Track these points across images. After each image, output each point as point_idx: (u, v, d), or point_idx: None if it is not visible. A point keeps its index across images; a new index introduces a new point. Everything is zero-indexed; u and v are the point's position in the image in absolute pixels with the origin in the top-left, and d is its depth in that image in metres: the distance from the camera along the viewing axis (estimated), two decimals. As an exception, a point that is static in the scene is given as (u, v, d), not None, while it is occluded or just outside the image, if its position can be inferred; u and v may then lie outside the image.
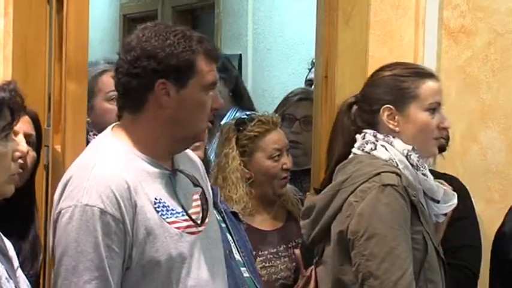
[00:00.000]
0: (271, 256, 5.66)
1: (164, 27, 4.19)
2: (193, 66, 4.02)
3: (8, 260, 3.82)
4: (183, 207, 4.10)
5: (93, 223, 3.86)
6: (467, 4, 5.77)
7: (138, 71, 4.00)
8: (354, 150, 4.78)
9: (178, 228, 4.03)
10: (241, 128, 5.73)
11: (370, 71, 5.30)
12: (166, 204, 4.03)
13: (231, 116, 5.77)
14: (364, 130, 4.77)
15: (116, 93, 5.02)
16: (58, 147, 4.87)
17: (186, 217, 4.06)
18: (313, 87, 6.52)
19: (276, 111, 6.76)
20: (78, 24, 4.86)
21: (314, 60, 6.23)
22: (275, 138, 5.73)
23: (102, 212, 3.85)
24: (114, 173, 3.93)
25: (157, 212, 3.97)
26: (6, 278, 3.75)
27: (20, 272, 3.88)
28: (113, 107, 5.22)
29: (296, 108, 6.73)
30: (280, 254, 5.65)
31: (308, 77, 7.21)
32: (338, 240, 4.66)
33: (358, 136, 4.79)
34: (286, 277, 5.58)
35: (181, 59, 4.05)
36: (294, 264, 5.59)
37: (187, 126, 4.17)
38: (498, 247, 5.30)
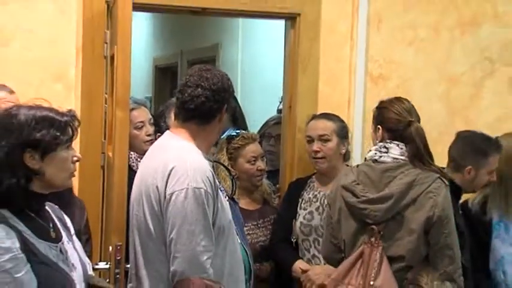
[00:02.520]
0: (253, 227, 5.76)
1: (219, 71, 4.56)
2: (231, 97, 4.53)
3: (67, 229, 3.91)
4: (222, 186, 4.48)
5: (202, 200, 4.07)
6: (384, 59, 6.00)
7: (219, 98, 4.30)
8: (382, 153, 4.81)
9: (226, 198, 4.39)
10: (230, 141, 5.84)
11: (320, 104, 5.96)
12: (218, 185, 4.32)
13: (228, 133, 5.84)
14: (389, 143, 4.83)
15: (141, 123, 5.64)
16: (110, 154, 5.07)
17: (225, 194, 4.44)
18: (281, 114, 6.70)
19: (259, 130, 7.01)
20: (123, 72, 4.95)
21: (282, 96, 6.40)
22: (252, 148, 5.84)
23: (206, 192, 4.09)
24: (204, 165, 4.20)
25: (221, 190, 4.32)
26: (67, 241, 3.82)
27: (75, 238, 3.95)
28: (139, 132, 5.58)
29: (272, 129, 6.89)
30: (259, 225, 5.80)
31: (279, 107, 7.20)
32: (424, 223, 4.63)
33: (381, 144, 4.86)
34: (263, 241, 5.72)
35: (232, 93, 4.49)
36: (268, 232, 5.77)
37: (218, 136, 4.65)
38: None
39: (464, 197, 5.44)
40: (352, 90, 5.89)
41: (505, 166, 5.28)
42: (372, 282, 4.64)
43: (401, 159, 4.73)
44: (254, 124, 7.60)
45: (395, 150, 4.75)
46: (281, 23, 6.15)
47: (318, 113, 5.76)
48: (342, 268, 4.77)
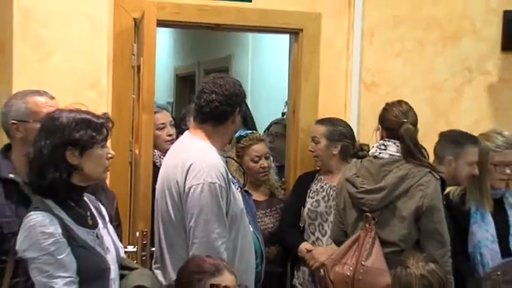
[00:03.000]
0: (262, 215, 5.74)
1: (232, 78, 4.62)
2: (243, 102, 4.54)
3: (102, 217, 3.96)
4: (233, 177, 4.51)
5: (217, 193, 4.14)
6: (376, 69, 5.98)
7: (231, 102, 4.35)
8: (378, 151, 4.84)
9: (238, 190, 4.43)
10: (239, 141, 5.83)
11: (320, 108, 5.87)
12: (231, 179, 4.36)
13: (239, 133, 5.75)
14: (387, 141, 4.86)
15: (163, 124, 5.68)
16: (137, 151, 5.10)
17: (238, 186, 4.47)
18: (285, 116, 6.80)
19: (264, 130, 7.07)
20: (148, 81, 4.98)
21: (287, 101, 6.39)
22: (256, 149, 5.82)
23: (220, 186, 4.16)
24: (218, 162, 4.25)
25: (233, 183, 4.35)
26: (102, 227, 3.88)
27: (109, 225, 4.00)
28: (161, 133, 5.63)
29: (273, 128, 6.96)
30: (267, 214, 5.79)
31: (283, 111, 7.29)
32: (414, 212, 4.66)
33: (388, 143, 4.86)
34: (271, 228, 5.70)
35: (244, 98, 4.52)
36: (275, 219, 5.77)
37: (232, 135, 4.73)
38: None
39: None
40: (348, 96, 5.89)
41: (479, 162, 5.23)
42: (363, 262, 4.69)
43: (397, 155, 4.76)
44: (262, 125, 7.58)
45: (393, 148, 4.79)
46: (286, 37, 6.15)
47: (320, 118, 5.75)
48: (341, 250, 4.84)
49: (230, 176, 4.34)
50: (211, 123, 4.38)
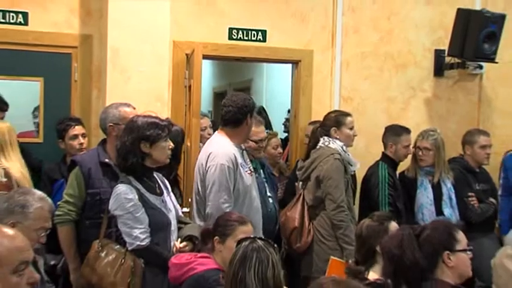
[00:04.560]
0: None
1: (243, 95, 4.50)
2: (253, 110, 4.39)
3: (166, 188, 3.94)
4: (246, 164, 4.33)
5: (225, 172, 4.11)
6: (350, 87, 5.87)
7: (242, 111, 4.28)
8: (319, 144, 4.79)
9: (246, 172, 4.27)
10: None
11: (313, 115, 5.76)
12: (242, 163, 4.26)
13: None
14: (323, 137, 4.81)
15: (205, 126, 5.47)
16: (188, 144, 5.01)
17: (248, 169, 4.32)
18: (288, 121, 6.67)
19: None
20: (196, 96, 5.00)
21: (289, 110, 6.32)
22: (274, 140, 5.75)
23: (228, 167, 4.12)
24: (230, 151, 4.19)
25: (242, 167, 4.24)
26: (165, 195, 3.87)
27: (171, 193, 3.98)
28: (203, 132, 5.39)
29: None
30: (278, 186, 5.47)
31: (286, 117, 7.33)
32: (316, 180, 4.69)
33: (321, 139, 4.81)
34: (280, 194, 5.39)
35: (254, 106, 4.41)
36: (282, 189, 5.51)
37: (248, 134, 4.47)
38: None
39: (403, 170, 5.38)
40: (331, 106, 5.77)
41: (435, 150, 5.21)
42: (287, 212, 4.77)
43: (323, 145, 4.75)
44: (275, 126, 7.60)
45: (325, 141, 4.79)
46: (289, 66, 6.02)
47: (311, 120, 5.68)
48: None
49: (241, 161, 4.25)
50: (230, 126, 4.32)
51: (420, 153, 5.22)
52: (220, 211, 3.98)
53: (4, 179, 3.99)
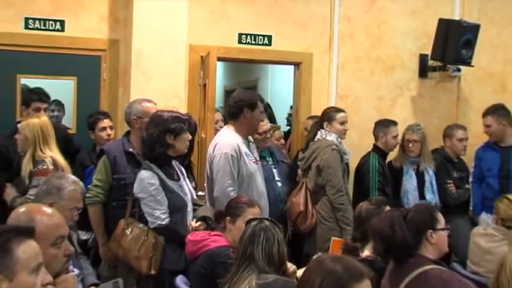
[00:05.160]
0: None
1: (243, 91, 4.45)
2: (256, 103, 4.26)
3: (183, 174, 3.94)
4: (252, 154, 4.27)
5: (229, 159, 4.05)
6: (346, 87, 5.84)
7: (237, 105, 4.24)
8: (317, 137, 4.78)
9: (251, 161, 4.21)
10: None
11: (312, 111, 5.68)
12: (247, 153, 4.19)
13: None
14: (321, 129, 4.80)
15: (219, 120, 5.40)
16: (203, 135, 5.03)
17: (253, 158, 4.26)
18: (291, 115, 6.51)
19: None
20: (210, 93, 4.98)
21: (292, 106, 6.31)
22: (277, 133, 5.68)
23: (232, 155, 4.07)
24: (234, 142, 4.14)
25: (247, 155, 4.17)
26: (182, 180, 3.87)
27: (187, 179, 3.98)
28: (216, 125, 5.25)
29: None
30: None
31: (288, 112, 7.31)
32: (316, 169, 4.68)
33: (318, 132, 4.80)
34: None
35: (254, 100, 4.28)
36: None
37: (253, 127, 4.36)
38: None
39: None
40: (328, 103, 5.70)
41: (417, 141, 5.21)
42: (293, 198, 4.71)
43: (321, 138, 4.74)
44: (278, 119, 7.58)
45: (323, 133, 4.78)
46: (291, 67, 5.97)
47: (310, 115, 5.65)
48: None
49: (246, 151, 4.19)
50: (232, 120, 4.28)
51: (410, 145, 5.20)
52: (225, 194, 3.96)
53: (52, 167, 3.99)
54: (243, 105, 4.23)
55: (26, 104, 4.64)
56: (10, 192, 4.12)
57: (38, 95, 4.66)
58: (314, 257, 3.08)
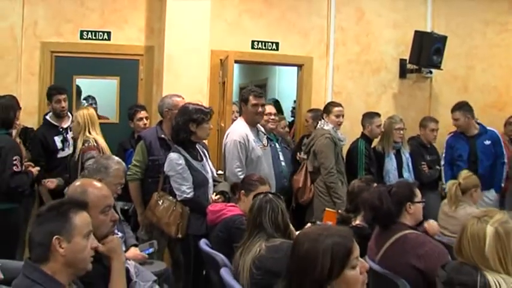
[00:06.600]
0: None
1: (249, 87, 4.48)
2: (247, 98, 4.16)
3: (205, 156, 3.90)
4: (260, 141, 4.22)
5: (237, 146, 4.02)
6: (340, 84, 5.76)
7: (241, 97, 4.28)
8: (318, 126, 4.76)
9: (259, 147, 4.16)
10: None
11: (312, 104, 5.67)
12: (255, 140, 4.15)
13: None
14: (321, 120, 4.79)
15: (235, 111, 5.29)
16: (222, 124, 4.94)
17: (261, 144, 4.21)
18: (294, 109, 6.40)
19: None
20: (229, 90, 4.86)
21: (295, 100, 6.18)
22: (282, 123, 5.54)
23: (240, 142, 4.03)
24: (243, 130, 4.11)
25: (255, 142, 4.13)
26: (205, 160, 3.84)
27: (209, 160, 3.91)
28: (233, 117, 5.05)
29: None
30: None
31: (292, 106, 6.96)
32: (313, 153, 4.65)
33: (319, 122, 4.78)
34: None
35: (246, 96, 4.17)
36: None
37: (251, 116, 4.18)
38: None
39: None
40: (326, 98, 5.64)
41: (389, 129, 5.16)
42: (295, 176, 4.72)
43: (321, 127, 4.70)
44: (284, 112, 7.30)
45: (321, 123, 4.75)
46: (295, 68, 5.87)
47: (309, 108, 5.54)
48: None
49: (254, 138, 4.10)
50: (242, 110, 4.25)
51: (401, 132, 5.16)
52: (234, 175, 3.93)
53: (95, 144, 4.09)
54: (241, 101, 4.24)
55: (49, 99, 4.67)
56: (52, 184, 4.30)
57: (56, 89, 4.69)
58: (308, 225, 3.16)
